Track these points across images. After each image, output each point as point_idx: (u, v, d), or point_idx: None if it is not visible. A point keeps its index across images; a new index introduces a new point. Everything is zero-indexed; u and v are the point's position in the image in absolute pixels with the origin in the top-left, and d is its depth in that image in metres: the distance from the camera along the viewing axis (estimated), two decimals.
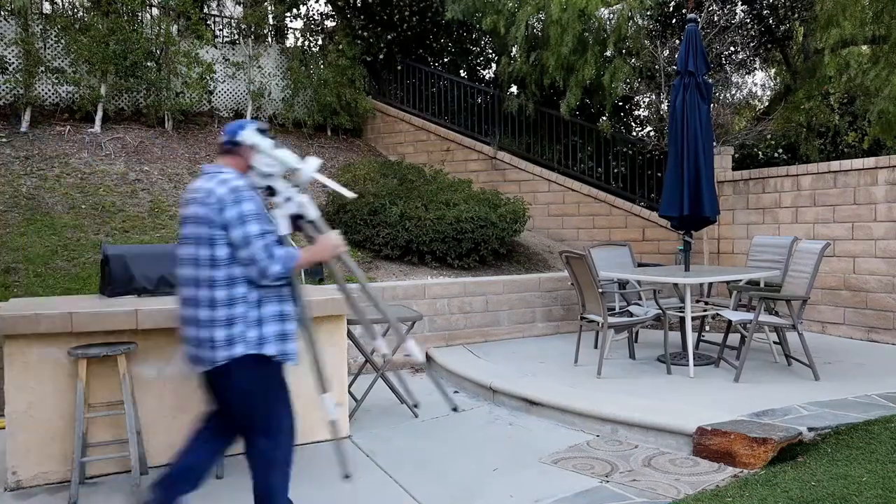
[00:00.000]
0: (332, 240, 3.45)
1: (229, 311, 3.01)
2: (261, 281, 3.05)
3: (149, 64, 9.73)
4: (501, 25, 10.04)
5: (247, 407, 3.13)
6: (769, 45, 11.84)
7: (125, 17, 9.82)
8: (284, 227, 3.32)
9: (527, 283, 7.79)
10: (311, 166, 3.36)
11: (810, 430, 4.15)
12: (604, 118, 11.79)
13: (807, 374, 5.56)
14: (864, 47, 9.97)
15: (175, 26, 10.15)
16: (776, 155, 10.94)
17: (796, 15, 11.31)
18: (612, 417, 4.67)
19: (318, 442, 4.74)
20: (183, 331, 3.13)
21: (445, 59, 13.59)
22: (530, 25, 10.19)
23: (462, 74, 13.46)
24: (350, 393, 5.44)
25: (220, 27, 11.71)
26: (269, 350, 3.08)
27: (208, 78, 10.19)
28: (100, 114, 9.48)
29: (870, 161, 7.21)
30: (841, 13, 9.17)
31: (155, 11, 10.37)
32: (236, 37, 11.35)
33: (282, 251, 3.10)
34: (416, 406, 5.47)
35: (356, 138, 12.14)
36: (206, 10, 11.54)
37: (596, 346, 6.91)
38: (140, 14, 10.13)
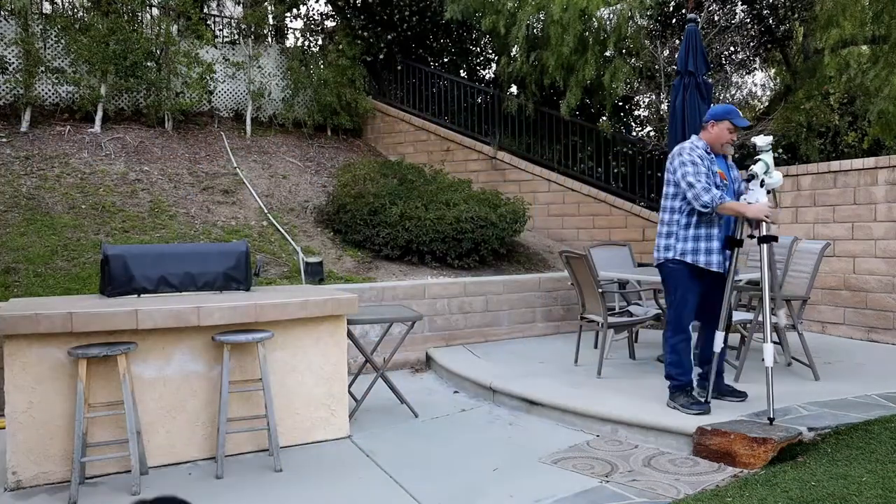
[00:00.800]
0: (763, 208, 4.40)
1: (668, 228, 4.62)
2: (694, 205, 4.45)
3: (149, 64, 9.73)
4: (501, 25, 10.04)
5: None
6: (769, 45, 11.84)
7: (125, 17, 9.82)
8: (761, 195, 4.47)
9: (527, 283, 7.79)
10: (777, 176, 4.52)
11: (810, 430, 4.15)
12: (604, 118, 11.81)
13: (807, 374, 5.56)
14: (864, 47, 9.97)
15: (175, 26, 10.16)
16: (776, 155, 10.94)
17: (796, 15, 11.31)
18: (612, 417, 4.67)
19: (319, 442, 4.75)
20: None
21: (445, 59, 13.59)
22: (530, 25, 10.19)
23: (462, 74, 13.46)
24: (350, 393, 5.44)
25: (220, 27, 11.71)
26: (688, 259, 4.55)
27: (208, 78, 10.19)
28: (100, 114, 9.48)
29: (870, 161, 7.21)
30: (841, 13, 9.17)
31: (155, 11, 10.37)
32: (236, 37, 11.35)
33: (716, 192, 4.41)
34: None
35: (356, 138, 12.14)
36: (206, 10, 11.54)
37: (596, 346, 6.91)
38: (140, 14, 10.13)
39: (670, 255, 4.57)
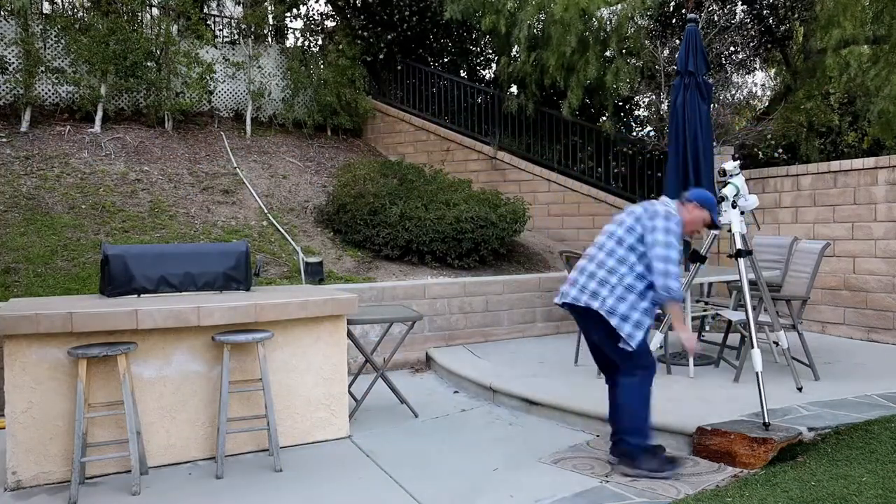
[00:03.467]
0: (690, 342, 4.02)
1: (621, 285, 3.87)
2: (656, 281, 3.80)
3: (149, 64, 9.73)
4: (501, 25, 10.03)
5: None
6: (769, 45, 11.84)
7: (125, 17, 9.82)
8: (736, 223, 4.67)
9: (527, 283, 7.79)
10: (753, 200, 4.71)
11: (810, 430, 4.15)
12: (604, 118, 11.80)
13: (807, 374, 5.56)
14: (865, 47, 9.97)
15: (175, 26, 10.15)
16: (776, 155, 10.93)
17: (796, 15, 11.31)
18: None
19: (319, 442, 4.75)
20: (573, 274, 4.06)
21: (445, 59, 13.58)
22: (531, 25, 10.19)
23: (462, 74, 13.45)
24: (350, 393, 5.44)
25: (220, 27, 11.71)
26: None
27: (208, 78, 10.19)
28: (100, 114, 9.48)
29: (870, 161, 7.21)
30: (841, 13, 9.16)
31: (155, 11, 10.36)
32: (236, 37, 11.35)
33: (676, 283, 3.79)
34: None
35: (356, 138, 12.14)
36: (206, 10, 11.53)
37: None
38: (140, 14, 10.13)
39: (594, 305, 3.88)
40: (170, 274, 4.83)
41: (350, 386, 5.55)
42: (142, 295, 4.75)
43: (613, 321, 3.83)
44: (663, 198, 4.11)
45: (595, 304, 3.86)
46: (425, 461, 4.31)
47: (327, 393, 4.79)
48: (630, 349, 3.87)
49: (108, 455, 4.01)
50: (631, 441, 3.95)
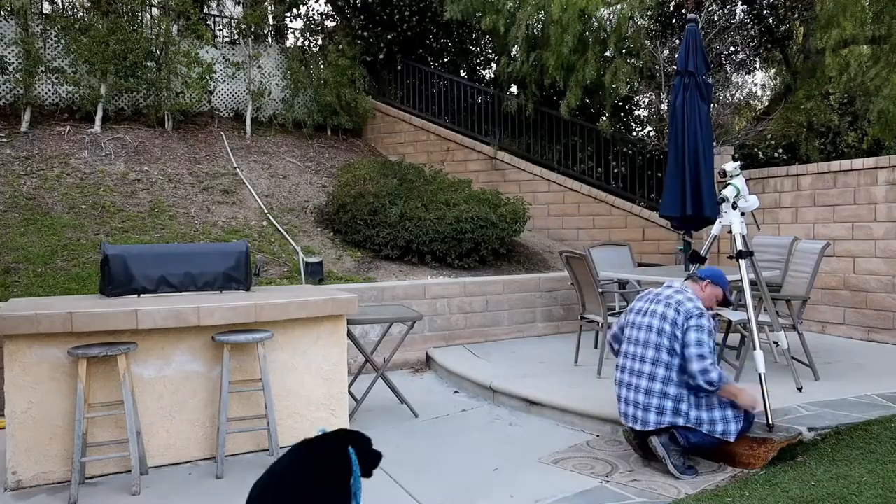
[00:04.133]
0: (756, 399, 4.05)
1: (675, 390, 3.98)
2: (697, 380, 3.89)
3: (149, 64, 9.73)
4: (501, 25, 10.04)
5: None
6: (769, 45, 11.83)
7: (125, 17, 9.82)
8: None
9: (527, 283, 7.79)
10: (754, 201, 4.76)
11: (810, 430, 4.15)
12: (604, 118, 11.80)
13: (807, 374, 5.56)
14: (865, 47, 9.98)
15: (175, 26, 10.15)
16: (776, 155, 10.94)
17: (796, 15, 11.31)
18: (613, 417, 4.67)
19: None
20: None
21: (445, 59, 13.59)
22: (530, 25, 10.19)
23: (462, 74, 13.46)
24: (350, 393, 5.44)
25: (220, 27, 11.71)
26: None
27: (208, 78, 10.19)
28: (100, 114, 9.48)
29: (870, 161, 7.21)
30: (841, 13, 9.17)
31: (155, 11, 10.36)
32: (236, 37, 11.35)
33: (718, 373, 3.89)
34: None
35: (356, 138, 12.14)
36: (206, 10, 11.54)
37: (596, 347, 6.91)
38: (140, 14, 10.13)
39: (680, 422, 3.96)
40: (170, 274, 4.83)
41: (350, 386, 5.55)
42: (142, 295, 4.75)
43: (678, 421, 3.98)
44: (674, 283, 4.21)
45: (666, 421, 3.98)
46: (426, 461, 4.31)
47: (327, 393, 4.79)
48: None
49: (108, 455, 4.01)
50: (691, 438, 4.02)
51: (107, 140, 9.28)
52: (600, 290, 5.77)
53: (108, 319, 4.04)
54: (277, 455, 4.22)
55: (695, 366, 3.85)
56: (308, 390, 4.74)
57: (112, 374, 4.17)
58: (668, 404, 3.93)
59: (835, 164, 7.55)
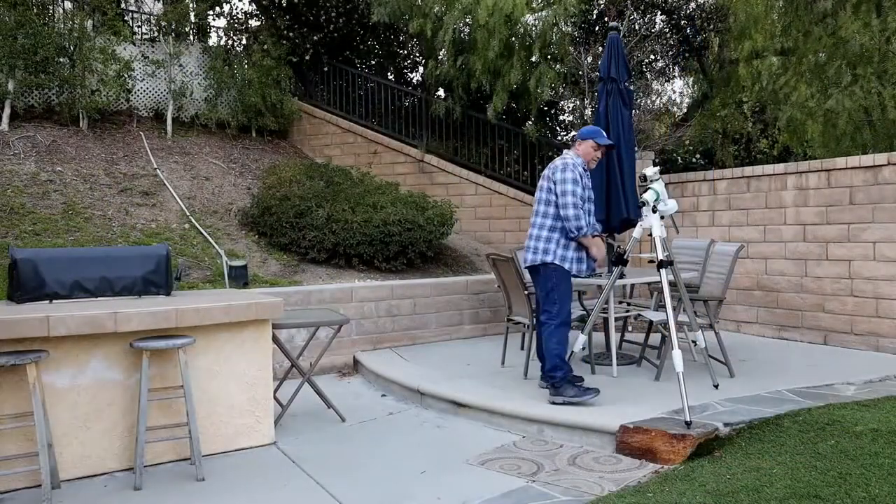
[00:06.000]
0: (601, 252, 5.11)
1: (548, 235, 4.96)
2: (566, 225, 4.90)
3: (61, 60, 9.32)
4: (429, 29, 10.07)
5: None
6: (687, 55, 12.28)
7: (34, 10, 9.38)
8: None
9: (454, 285, 7.83)
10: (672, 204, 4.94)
11: (726, 425, 4.31)
12: (530, 122, 11.97)
13: (723, 371, 5.77)
14: (774, 58, 10.47)
15: (90, 21, 9.77)
16: (694, 160, 11.35)
17: (712, 26, 11.76)
18: (538, 418, 4.74)
19: (243, 449, 4.64)
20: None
21: (373, 62, 13.54)
22: (457, 30, 10.26)
23: (390, 77, 13.43)
24: (276, 398, 5.34)
25: (139, 24, 11.34)
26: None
27: (126, 76, 9.84)
28: (7, 111, 9.02)
29: (779, 167, 7.56)
30: (753, 26, 9.60)
31: (68, 5, 9.95)
32: (156, 34, 11.00)
33: (585, 221, 4.91)
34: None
35: (282, 140, 11.95)
36: (123, 5, 11.15)
37: (522, 348, 6.99)
38: (51, 7, 9.70)
39: (549, 258, 4.93)
40: (85, 278, 4.64)
41: (276, 391, 5.45)
42: (54, 301, 4.54)
43: (547, 258, 4.91)
44: (566, 151, 5.12)
45: (539, 259, 4.96)
46: (353, 466, 4.27)
47: (252, 399, 4.69)
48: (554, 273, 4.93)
49: (15, 469, 3.81)
50: (555, 375, 4.88)
51: (15, 139, 8.84)
52: (526, 293, 5.84)
53: (17, 327, 3.84)
54: (200, 464, 4.10)
55: (564, 213, 4.86)
56: (232, 396, 4.63)
57: (21, 383, 3.97)
58: (541, 245, 4.95)
59: (748, 170, 7.88)
